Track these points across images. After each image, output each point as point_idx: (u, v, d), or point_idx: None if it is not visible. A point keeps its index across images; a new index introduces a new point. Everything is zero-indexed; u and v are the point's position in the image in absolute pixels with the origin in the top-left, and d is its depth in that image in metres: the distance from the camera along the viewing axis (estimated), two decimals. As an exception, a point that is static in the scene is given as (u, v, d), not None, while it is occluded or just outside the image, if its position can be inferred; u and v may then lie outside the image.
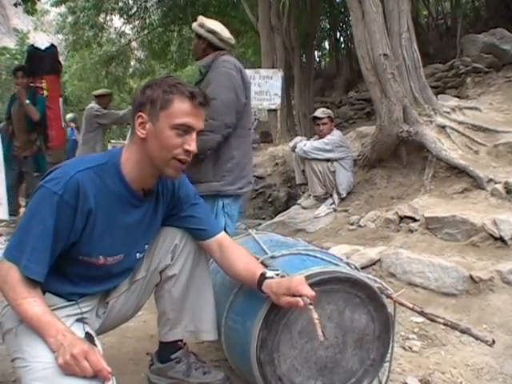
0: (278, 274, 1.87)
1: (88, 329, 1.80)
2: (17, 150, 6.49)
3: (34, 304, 1.59)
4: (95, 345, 1.65)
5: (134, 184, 1.83)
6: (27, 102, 6.31)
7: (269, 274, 1.87)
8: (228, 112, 3.59)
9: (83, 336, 1.70)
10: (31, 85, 6.54)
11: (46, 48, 6.93)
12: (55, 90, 6.96)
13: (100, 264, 1.84)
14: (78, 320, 1.83)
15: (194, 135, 1.75)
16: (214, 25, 3.85)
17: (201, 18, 3.94)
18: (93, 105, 7.84)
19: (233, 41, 3.94)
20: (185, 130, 1.73)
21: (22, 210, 6.93)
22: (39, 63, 6.77)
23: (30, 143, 6.58)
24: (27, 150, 6.55)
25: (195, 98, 1.74)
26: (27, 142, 6.56)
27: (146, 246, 2.04)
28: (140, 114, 1.78)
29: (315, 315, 1.64)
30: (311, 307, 1.66)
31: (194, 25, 3.89)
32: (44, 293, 1.74)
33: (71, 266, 1.82)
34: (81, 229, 1.73)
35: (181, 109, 1.74)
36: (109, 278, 1.98)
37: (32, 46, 7.18)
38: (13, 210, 6.72)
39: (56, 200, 1.63)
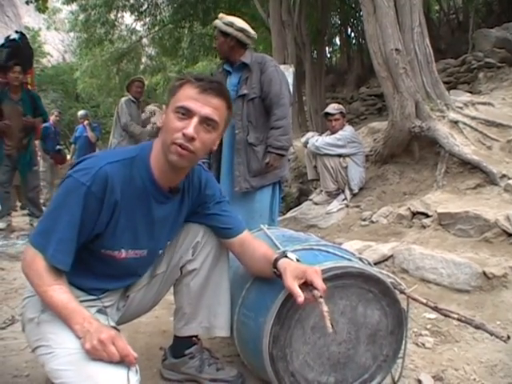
0: (298, 260, 1.89)
1: (112, 323, 1.81)
2: (10, 149, 6.48)
3: (60, 291, 1.60)
4: None
5: (161, 180, 1.82)
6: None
7: (290, 255, 1.90)
8: (289, 108, 4.10)
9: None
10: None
11: (19, 38, 6.72)
12: (34, 82, 7.20)
13: (122, 258, 1.85)
14: (100, 311, 1.84)
15: (194, 120, 1.69)
16: (240, 22, 4.04)
17: (224, 16, 4.09)
18: (124, 100, 7.47)
19: (256, 36, 4.16)
20: (184, 113, 1.70)
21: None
22: (22, 56, 6.60)
23: (22, 141, 6.61)
24: (21, 147, 6.60)
25: (200, 82, 1.73)
26: (21, 139, 6.58)
27: (168, 243, 2.05)
28: (163, 105, 1.82)
29: (325, 308, 1.63)
30: (321, 300, 1.65)
31: (220, 23, 4.03)
32: None
33: (95, 260, 1.83)
34: (106, 221, 1.74)
35: (185, 93, 1.73)
36: (132, 273, 2.00)
37: (8, 38, 6.81)
38: (8, 209, 6.77)
39: (84, 191, 1.64)
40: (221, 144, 4.17)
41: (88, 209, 1.66)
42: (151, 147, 1.84)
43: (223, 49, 4.07)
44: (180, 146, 1.69)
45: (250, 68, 4.02)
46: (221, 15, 4.15)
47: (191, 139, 1.68)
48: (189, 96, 1.71)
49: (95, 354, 1.45)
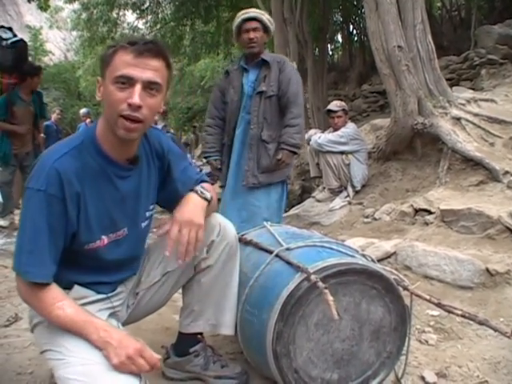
0: (202, 193, 1.93)
1: (121, 327, 1.81)
2: (19, 149, 6.35)
3: (64, 307, 1.57)
4: None
5: (115, 155, 1.75)
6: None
7: (199, 188, 1.95)
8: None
9: None
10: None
11: (14, 36, 6.14)
12: None
13: (106, 244, 1.79)
14: (111, 315, 1.84)
15: (137, 87, 1.59)
16: None
17: (263, 13, 4.24)
18: None
19: None
20: (125, 82, 1.59)
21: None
22: (26, 57, 6.46)
23: (31, 140, 6.54)
24: (28, 145, 6.49)
25: (134, 46, 1.61)
26: (29, 139, 6.51)
27: (148, 213, 1.98)
28: (98, 78, 1.72)
29: (330, 297, 1.65)
30: (326, 291, 1.66)
31: (264, 18, 4.13)
32: (72, 285, 1.76)
33: (86, 259, 1.79)
34: (76, 216, 1.67)
35: (121, 60, 1.61)
36: (128, 257, 1.95)
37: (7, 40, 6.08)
38: (12, 207, 6.71)
39: (42, 197, 1.58)
40: (232, 139, 4.29)
41: (53, 213, 1.61)
42: (95, 127, 1.76)
43: (260, 42, 4.14)
44: (127, 117, 1.61)
45: (270, 66, 4.10)
46: (259, 11, 4.29)
47: (138, 108, 1.60)
48: (126, 62, 1.60)
49: (124, 369, 1.45)
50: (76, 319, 1.55)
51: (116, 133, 1.64)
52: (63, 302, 1.58)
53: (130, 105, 1.59)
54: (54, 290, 1.61)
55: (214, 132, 4.39)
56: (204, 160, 4.47)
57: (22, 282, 1.62)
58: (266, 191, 4.19)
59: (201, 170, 2.09)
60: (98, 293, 1.85)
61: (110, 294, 1.89)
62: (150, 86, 1.63)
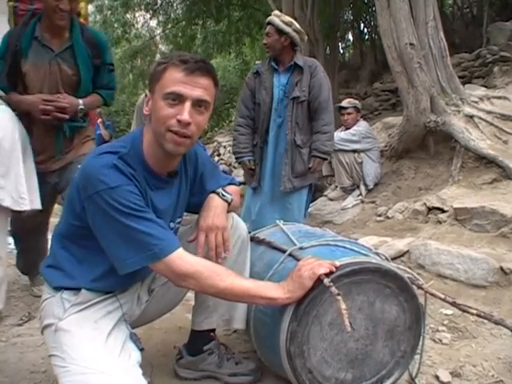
0: (224, 196, 2.02)
1: (131, 329, 1.82)
2: (41, 159, 2.90)
3: (238, 278, 1.75)
4: (141, 344, 1.74)
5: (157, 167, 1.79)
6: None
7: (221, 191, 2.03)
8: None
9: (128, 335, 1.76)
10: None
11: None
12: (87, 14, 3.71)
13: None
14: (120, 319, 1.83)
15: (187, 104, 1.64)
16: (297, 24, 4.18)
17: (281, 15, 4.19)
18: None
19: (306, 40, 4.40)
20: (175, 98, 1.64)
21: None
22: None
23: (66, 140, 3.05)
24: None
25: (186, 64, 1.65)
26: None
27: (172, 225, 2.00)
28: (146, 91, 1.78)
29: (343, 305, 1.62)
30: (339, 297, 1.64)
31: (277, 21, 4.10)
32: (79, 289, 1.75)
33: (107, 264, 1.75)
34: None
35: (171, 77, 1.65)
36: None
37: None
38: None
39: (122, 192, 1.62)
40: (264, 141, 4.35)
41: (139, 195, 1.67)
42: (142, 138, 1.79)
43: (276, 47, 4.14)
44: (176, 133, 1.65)
45: (303, 70, 4.11)
46: (278, 13, 4.25)
47: (187, 124, 1.64)
48: (176, 80, 1.64)
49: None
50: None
51: (164, 147, 1.69)
52: (229, 272, 1.76)
53: (179, 121, 1.63)
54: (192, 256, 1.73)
55: (245, 132, 4.39)
56: (236, 160, 4.56)
57: (176, 263, 1.66)
58: (299, 194, 4.29)
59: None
60: (106, 293, 1.85)
61: (116, 292, 1.88)
62: (198, 104, 1.67)
